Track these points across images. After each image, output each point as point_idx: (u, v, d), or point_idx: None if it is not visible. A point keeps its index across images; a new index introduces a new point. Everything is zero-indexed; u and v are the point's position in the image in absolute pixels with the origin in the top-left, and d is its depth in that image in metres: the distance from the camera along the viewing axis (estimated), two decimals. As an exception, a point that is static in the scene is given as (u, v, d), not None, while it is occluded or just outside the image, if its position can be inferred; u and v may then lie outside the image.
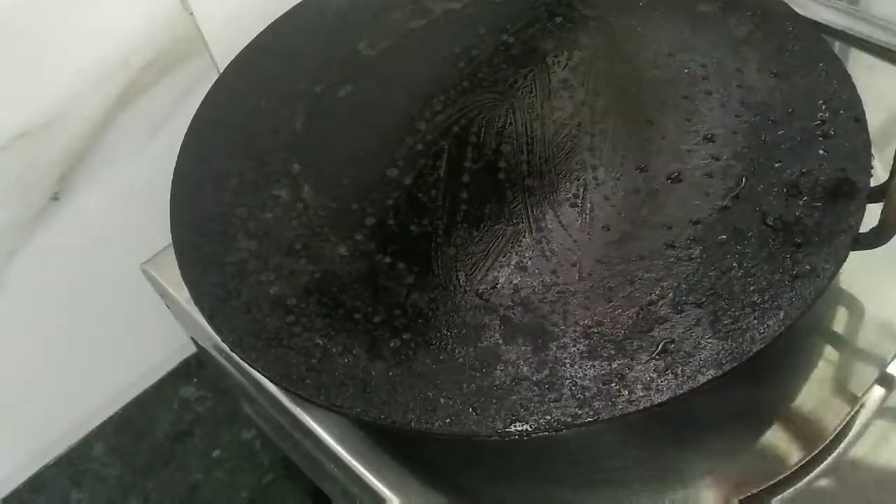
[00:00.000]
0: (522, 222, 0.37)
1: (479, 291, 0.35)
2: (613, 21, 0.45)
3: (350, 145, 0.41)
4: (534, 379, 0.31)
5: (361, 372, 0.32)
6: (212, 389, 0.65)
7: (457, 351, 0.33)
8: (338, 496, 0.45)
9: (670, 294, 0.33)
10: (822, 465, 0.33)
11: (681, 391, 0.30)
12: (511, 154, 0.40)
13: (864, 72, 0.48)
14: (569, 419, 0.30)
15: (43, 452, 0.58)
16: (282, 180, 0.40)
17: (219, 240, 0.38)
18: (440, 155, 0.40)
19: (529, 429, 0.30)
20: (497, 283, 0.35)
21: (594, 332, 0.32)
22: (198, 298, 0.36)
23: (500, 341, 0.33)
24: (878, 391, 0.35)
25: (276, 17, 0.48)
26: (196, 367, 0.63)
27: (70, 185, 0.49)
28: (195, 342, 0.49)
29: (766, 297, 0.32)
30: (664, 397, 0.30)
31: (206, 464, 0.65)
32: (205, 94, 0.44)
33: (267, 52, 0.46)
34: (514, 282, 0.35)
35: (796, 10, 0.44)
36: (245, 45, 0.47)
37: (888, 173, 0.31)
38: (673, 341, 0.31)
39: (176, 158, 0.41)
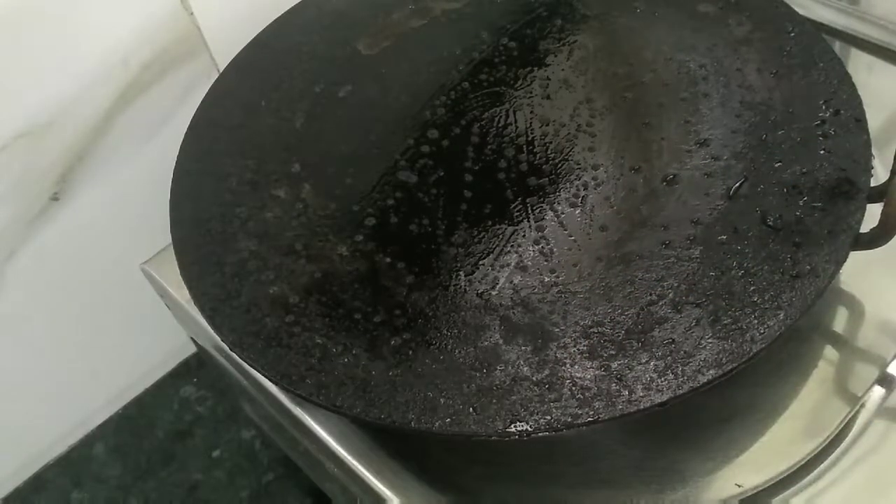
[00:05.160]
0: (522, 222, 0.37)
1: (479, 291, 0.35)
2: (613, 21, 0.45)
3: (350, 145, 0.41)
4: (534, 379, 0.31)
5: (361, 372, 0.32)
6: (212, 389, 0.65)
7: (457, 351, 0.33)
8: (338, 496, 0.45)
9: (670, 294, 0.33)
10: (823, 465, 0.33)
11: (681, 391, 0.30)
12: (511, 154, 0.40)
13: (864, 72, 0.48)
14: (569, 419, 0.30)
15: (43, 452, 0.58)
16: (282, 180, 0.40)
17: (219, 240, 0.38)
18: (440, 155, 0.40)
19: (529, 429, 0.30)
20: (497, 283, 0.35)
21: (594, 332, 0.32)
22: (198, 298, 0.36)
23: (500, 341, 0.33)
24: (878, 391, 0.35)
25: (276, 17, 0.48)
26: (196, 367, 0.64)
27: (70, 185, 0.49)
28: (195, 342, 0.49)
29: (766, 297, 0.32)
30: (664, 397, 0.30)
31: (206, 464, 0.65)
32: (205, 94, 0.44)
33: (267, 52, 0.46)
34: (514, 282, 0.35)
35: (796, 10, 0.44)
36: (245, 45, 0.47)
37: (888, 173, 0.31)
38: (673, 341, 0.31)
39: (176, 158, 0.41)
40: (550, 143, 0.40)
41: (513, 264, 0.35)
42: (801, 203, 0.35)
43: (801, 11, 0.44)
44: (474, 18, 0.47)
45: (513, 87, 0.43)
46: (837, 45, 0.49)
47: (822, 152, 0.37)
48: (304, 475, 0.51)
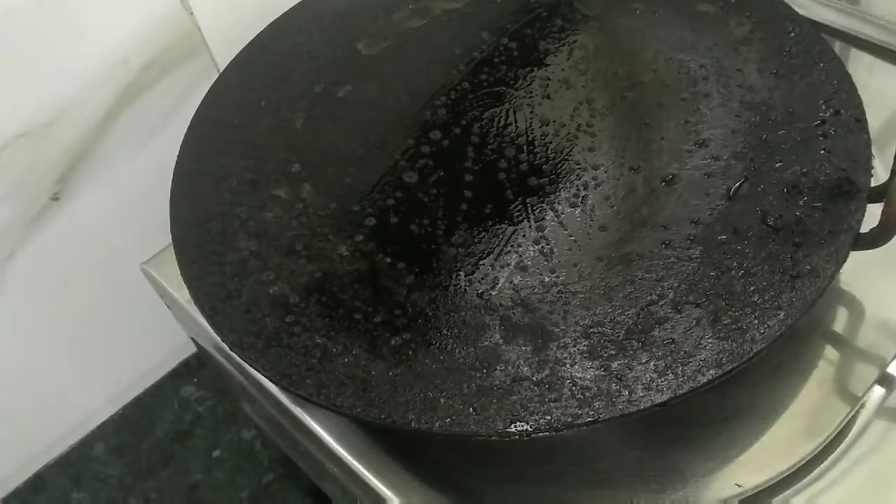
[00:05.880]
0: (522, 222, 0.37)
1: (480, 291, 0.35)
2: (613, 21, 0.45)
3: (350, 145, 0.41)
4: (534, 379, 0.31)
5: (361, 372, 0.32)
6: (212, 389, 0.65)
7: (457, 351, 0.33)
8: (338, 496, 0.45)
9: (670, 294, 0.33)
10: (823, 465, 0.33)
11: (681, 391, 0.30)
12: (511, 154, 0.40)
13: (864, 72, 0.48)
14: (569, 419, 0.30)
15: (43, 452, 0.58)
16: (282, 180, 0.40)
17: (219, 239, 0.38)
18: (440, 155, 0.40)
19: (529, 429, 0.30)
20: (497, 283, 0.35)
21: (594, 332, 0.32)
22: (198, 298, 0.36)
23: (501, 341, 0.33)
24: (878, 391, 0.35)
25: (276, 17, 0.48)
26: (196, 367, 0.64)
27: (70, 185, 0.49)
28: (195, 342, 0.49)
29: (766, 297, 0.32)
30: (664, 397, 0.30)
31: (206, 464, 0.65)
32: (205, 94, 0.44)
33: (267, 52, 0.46)
34: (514, 282, 0.35)
35: (796, 10, 0.44)
36: (245, 45, 0.47)
37: (888, 173, 0.31)
38: (673, 341, 0.31)
39: (176, 158, 0.41)
40: (550, 143, 0.40)
41: (513, 264, 0.35)
42: (801, 203, 0.35)
43: (801, 11, 0.44)
44: (474, 18, 0.47)
45: (513, 87, 0.43)
46: (837, 45, 0.49)
47: (822, 152, 0.37)
48: (304, 475, 0.51)
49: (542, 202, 0.38)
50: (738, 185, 0.37)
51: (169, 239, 0.38)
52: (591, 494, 0.34)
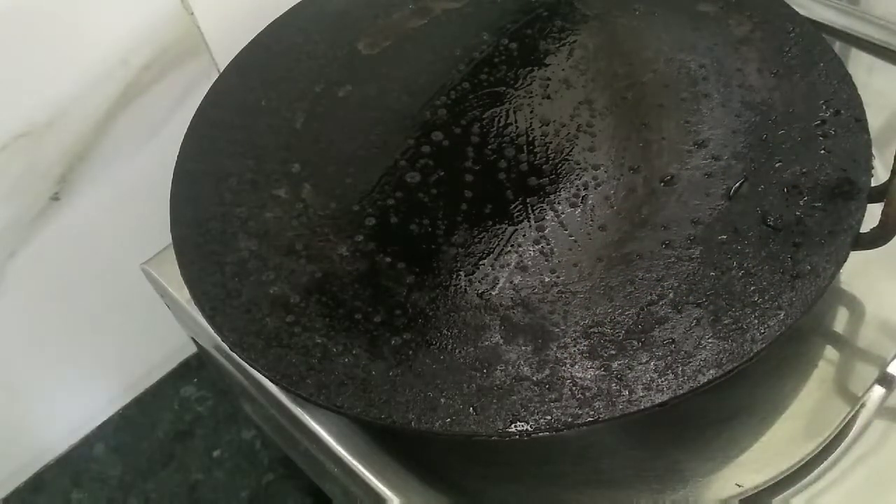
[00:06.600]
0: (523, 222, 0.37)
1: (480, 291, 0.35)
2: (613, 21, 0.45)
3: (350, 145, 0.41)
4: (534, 379, 0.31)
5: (361, 372, 0.32)
6: (212, 389, 0.65)
7: (457, 351, 0.33)
8: (338, 496, 0.45)
9: (670, 294, 0.33)
10: (823, 465, 0.33)
11: (681, 391, 0.30)
12: (511, 154, 0.40)
13: (864, 72, 0.48)
14: (569, 419, 0.30)
15: (43, 452, 0.58)
16: (282, 180, 0.40)
17: (219, 239, 0.38)
18: (441, 155, 0.40)
19: (529, 429, 0.30)
20: (497, 283, 0.35)
21: (594, 332, 0.32)
22: (198, 298, 0.36)
23: (501, 341, 0.33)
24: (878, 391, 0.35)
25: (276, 17, 0.48)
26: (196, 367, 0.64)
27: (70, 185, 0.49)
28: (195, 342, 0.49)
29: (766, 297, 0.32)
30: (664, 397, 0.30)
31: (206, 464, 0.65)
32: (205, 94, 0.44)
33: (267, 52, 0.46)
34: (515, 282, 0.35)
35: (796, 9, 0.44)
36: (245, 45, 0.47)
37: (888, 173, 0.31)
38: (673, 341, 0.31)
39: (176, 158, 0.41)
40: (550, 143, 0.40)
41: (513, 264, 0.35)
42: (801, 203, 0.35)
43: (801, 11, 0.44)
44: (474, 18, 0.47)
45: (513, 87, 0.43)
46: (837, 45, 0.49)
47: (822, 152, 0.37)
48: (304, 475, 0.51)
49: (543, 202, 0.38)
50: (738, 185, 0.37)
51: (169, 239, 0.38)
52: (591, 494, 0.34)
